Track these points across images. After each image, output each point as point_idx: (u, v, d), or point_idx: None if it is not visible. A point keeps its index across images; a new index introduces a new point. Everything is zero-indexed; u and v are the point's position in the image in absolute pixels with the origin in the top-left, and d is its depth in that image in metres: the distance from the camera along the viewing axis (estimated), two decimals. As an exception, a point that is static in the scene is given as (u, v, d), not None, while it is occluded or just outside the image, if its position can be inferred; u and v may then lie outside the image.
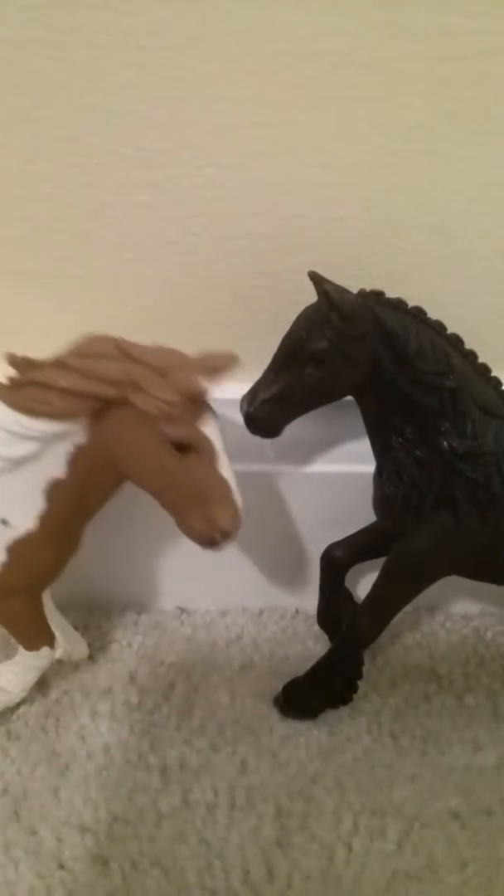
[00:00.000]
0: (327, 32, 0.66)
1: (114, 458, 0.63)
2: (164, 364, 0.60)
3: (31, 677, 0.74)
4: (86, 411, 0.61)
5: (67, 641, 0.79)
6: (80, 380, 0.60)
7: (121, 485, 0.66)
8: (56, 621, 0.78)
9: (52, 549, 0.67)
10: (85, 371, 0.60)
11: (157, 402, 0.59)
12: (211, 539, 0.62)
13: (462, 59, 0.67)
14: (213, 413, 0.62)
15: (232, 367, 0.61)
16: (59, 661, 0.80)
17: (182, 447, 0.61)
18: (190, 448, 0.61)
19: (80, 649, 0.81)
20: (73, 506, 0.66)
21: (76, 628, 0.84)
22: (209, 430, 0.61)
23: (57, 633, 0.76)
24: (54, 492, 0.64)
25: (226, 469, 0.62)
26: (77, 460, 0.63)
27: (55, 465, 0.63)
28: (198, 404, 0.61)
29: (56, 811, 0.68)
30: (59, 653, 0.75)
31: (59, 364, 0.61)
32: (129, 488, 0.66)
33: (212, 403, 0.63)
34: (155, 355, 0.61)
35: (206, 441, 0.61)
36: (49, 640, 0.73)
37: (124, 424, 0.61)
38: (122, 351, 0.60)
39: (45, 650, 0.72)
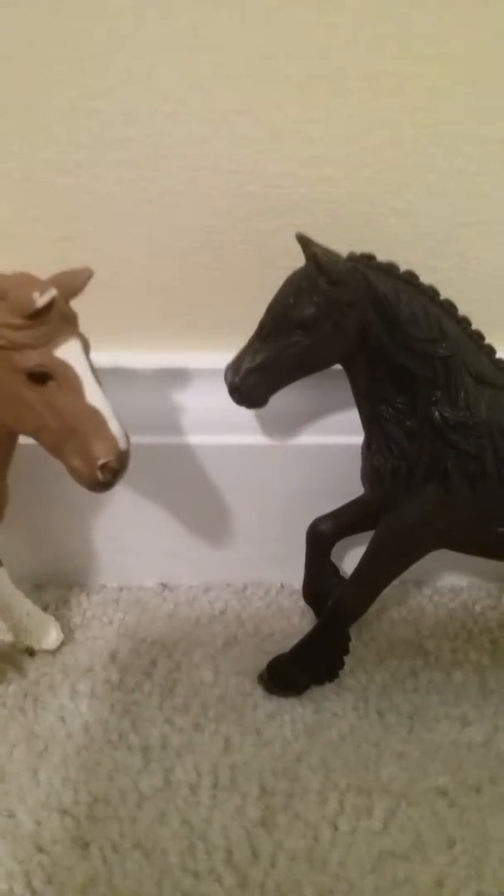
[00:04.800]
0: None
1: None
2: (4, 287, 0.54)
3: None
4: None
5: (33, 626, 0.76)
6: None
7: (11, 433, 0.62)
8: (17, 605, 0.75)
9: None
10: None
11: None
12: (94, 479, 0.56)
13: (460, 7, 0.64)
14: (78, 336, 0.57)
15: (85, 281, 0.57)
16: (31, 651, 0.77)
17: (38, 377, 0.55)
18: (48, 377, 0.55)
19: (51, 636, 0.77)
20: None
21: (56, 606, 0.81)
22: (69, 355, 0.55)
23: (21, 618, 0.73)
24: None
25: (94, 397, 0.56)
26: None
27: None
28: (55, 328, 0.55)
29: (35, 793, 0.66)
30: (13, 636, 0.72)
31: None
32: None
33: (77, 327, 0.57)
34: None
35: (65, 368, 0.55)
36: None
37: None
38: None
39: None
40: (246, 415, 0.74)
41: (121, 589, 0.86)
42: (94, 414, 0.56)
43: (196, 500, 0.83)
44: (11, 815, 0.64)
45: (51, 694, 0.74)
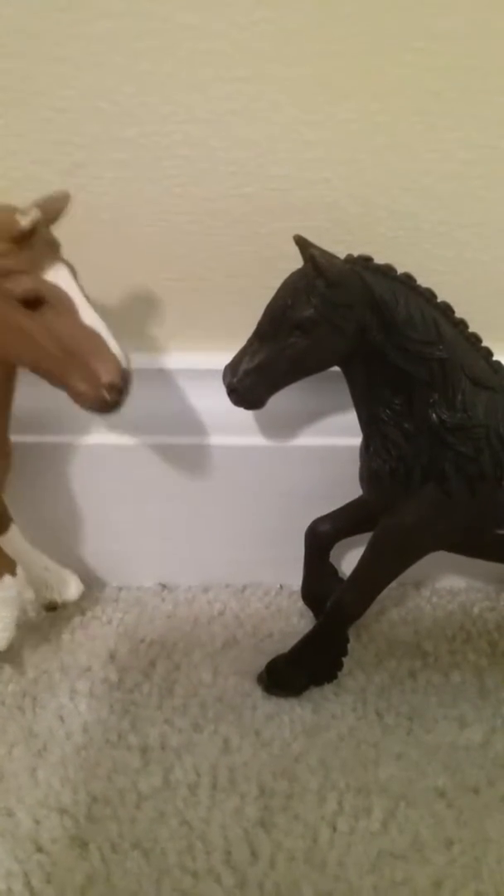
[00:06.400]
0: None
1: None
2: None
3: (7, 614, 0.70)
4: None
5: (53, 580, 0.77)
6: None
7: (8, 371, 0.62)
8: (35, 561, 0.75)
9: None
10: None
11: None
12: (101, 399, 0.57)
13: (456, 13, 0.64)
14: (64, 261, 0.57)
15: (64, 205, 0.57)
16: (53, 605, 0.78)
17: (32, 302, 0.55)
18: (42, 302, 0.55)
19: (70, 587, 0.77)
20: None
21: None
22: (59, 278, 0.56)
23: (39, 573, 0.73)
24: None
25: (91, 318, 0.56)
26: None
27: None
28: (41, 253, 0.55)
29: (33, 792, 0.66)
30: (22, 589, 0.72)
31: None
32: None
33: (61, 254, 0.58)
34: None
35: (57, 290, 0.55)
36: (8, 567, 0.69)
37: None
38: None
39: (7, 579, 0.69)
40: (244, 416, 0.74)
41: (120, 589, 0.86)
42: (93, 335, 0.56)
43: (195, 500, 0.83)
44: (10, 815, 0.64)
45: (49, 693, 0.74)
